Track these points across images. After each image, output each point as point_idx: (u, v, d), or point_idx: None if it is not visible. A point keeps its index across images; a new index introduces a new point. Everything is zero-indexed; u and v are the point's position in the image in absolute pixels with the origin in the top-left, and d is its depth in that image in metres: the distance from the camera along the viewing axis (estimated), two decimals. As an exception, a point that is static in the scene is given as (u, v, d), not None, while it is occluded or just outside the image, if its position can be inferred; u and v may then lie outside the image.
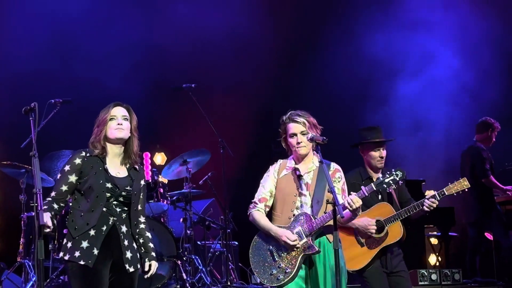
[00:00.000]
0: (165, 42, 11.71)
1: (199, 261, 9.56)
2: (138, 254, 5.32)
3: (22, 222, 8.99)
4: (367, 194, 5.60)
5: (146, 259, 5.38)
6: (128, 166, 5.36)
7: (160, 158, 12.12)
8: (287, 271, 5.58)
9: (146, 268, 5.37)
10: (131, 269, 5.22)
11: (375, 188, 5.66)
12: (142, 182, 5.44)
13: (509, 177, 10.20)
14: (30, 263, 8.73)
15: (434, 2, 12.36)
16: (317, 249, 5.58)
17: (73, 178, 5.19)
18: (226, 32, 11.86)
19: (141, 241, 5.39)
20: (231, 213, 10.02)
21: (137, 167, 5.44)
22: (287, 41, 12.38)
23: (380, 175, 6.41)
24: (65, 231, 8.75)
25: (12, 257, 9.21)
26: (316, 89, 11.99)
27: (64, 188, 5.19)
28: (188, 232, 9.62)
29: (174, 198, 9.90)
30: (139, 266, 5.31)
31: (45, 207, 5.05)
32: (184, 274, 9.07)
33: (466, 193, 9.71)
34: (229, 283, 9.18)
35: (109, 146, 5.30)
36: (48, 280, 8.48)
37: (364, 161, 6.88)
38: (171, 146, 11.75)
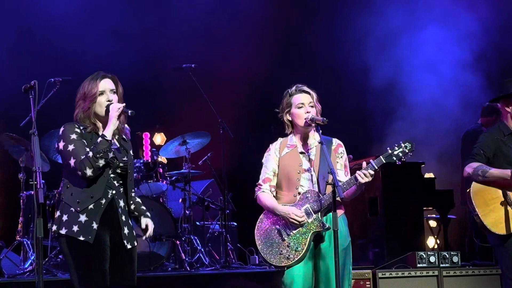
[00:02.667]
0: (163, 22, 11.67)
1: (198, 242, 9.57)
2: (133, 232, 5.20)
3: (21, 200, 8.97)
4: (376, 168, 5.52)
5: (142, 217, 5.27)
6: (117, 137, 5.17)
7: (159, 138, 12.10)
8: (297, 249, 5.50)
9: (143, 226, 5.25)
10: (129, 246, 5.09)
11: (384, 161, 5.53)
12: (131, 152, 5.31)
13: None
14: (28, 242, 8.73)
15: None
16: (327, 226, 5.52)
17: (85, 142, 5.01)
18: (226, 13, 11.82)
19: (132, 207, 5.26)
20: (230, 194, 10.03)
21: (125, 137, 5.29)
22: (288, 20, 12.35)
23: None
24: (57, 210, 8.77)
25: (11, 235, 9.22)
26: (317, 71, 11.94)
27: (87, 149, 4.95)
28: (187, 212, 9.63)
29: (173, 178, 9.90)
30: (136, 243, 5.18)
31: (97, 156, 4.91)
32: (182, 254, 9.09)
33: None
34: (227, 264, 9.19)
35: (98, 121, 5.14)
36: (46, 259, 8.48)
37: (504, 117, 6.68)
38: (170, 126, 11.73)
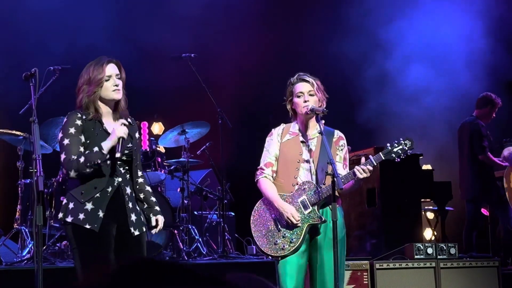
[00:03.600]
0: (162, 11, 11.66)
1: (196, 231, 9.58)
2: (142, 217, 5.18)
3: (19, 188, 8.97)
4: (375, 164, 5.52)
5: (151, 214, 5.25)
6: None
7: (157, 128, 12.09)
8: (292, 241, 5.52)
9: (154, 223, 5.22)
10: (136, 232, 5.07)
11: (383, 158, 5.54)
12: (137, 135, 5.30)
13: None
14: (26, 230, 8.73)
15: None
16: (323, 219, 5.54)
17: (82, 138, 4.97)
18: (222, 4, 11.82)
19: (142, 196, 5.24)
20: (228, 184, 10.02)
21: (130, 120, 5.26)
22: (285, 11, 12.34)
23: None
24: (62, 198, 8.76)
25: (9, 223, 9.21)
26: (317, 59, 11.91)
27: (81, 148, 4.93)
28: (185, 202, 9.63)
29: (172, 167, 9.90)
30: (144, 229, 5.16)
31: (87, 158, 4.87)
32: (180, 244, 9.10)
33: (464, 169, 9.79)
34: (225, 254, 9.20)
35: (101, 106, 5.10)
36: (44, 247, 8.47)
37: None
38: (169, 115, 11.72)
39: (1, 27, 10.70)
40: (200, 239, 9.50)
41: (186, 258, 8.86)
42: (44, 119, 8.60)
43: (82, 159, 4.85)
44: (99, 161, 4.88)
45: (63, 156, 4.91)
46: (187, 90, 10.95)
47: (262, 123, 11.24)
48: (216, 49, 11.86)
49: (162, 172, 9.75)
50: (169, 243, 9.24)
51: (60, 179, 8.87)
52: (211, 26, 11.88)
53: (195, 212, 10.25)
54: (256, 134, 11.70)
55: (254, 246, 9.71)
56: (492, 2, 12.01)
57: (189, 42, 11.23)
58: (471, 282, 8.48)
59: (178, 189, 9.74)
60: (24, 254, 8.51)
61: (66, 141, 4.94)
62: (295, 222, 5.52)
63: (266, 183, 5.70)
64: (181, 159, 9.75)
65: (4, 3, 10.82)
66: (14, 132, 8.80)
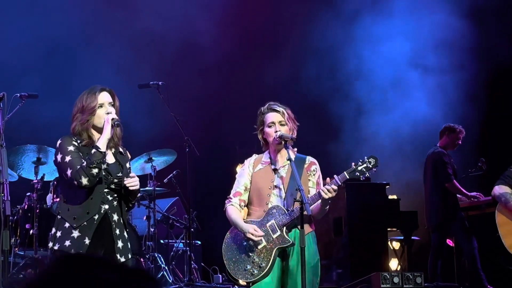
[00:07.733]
0: (130, 35, 11.65)
1: (162, 260, 9.52)
2: (128, 244, 5.27)
3: (-17, 215, 8.87)
4: (340, 183, 5.52)
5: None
6: (113, 151, 5.25)
7: (124, 156, 12.01)
8: (261, 265, 5.50)
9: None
10: (122, 259, 5.14)
11: (347, 176, 5.55)
12: (128, 165, 5.36)
13: (473, 183, 10.30)
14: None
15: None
16: (291, 242, 5.53)
17: (81, 155, 5.02)
18: (192, 32, 11.84)
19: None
20: (195, 212, 9.99)
21: (122, 150, 5.34)
22: (249, 38, 12.40)
23: None
24: (27, 225, 8.69)
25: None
26: (283, 88, 11.95)
27: (83, 160, 4.97)
28: (151, 230, 9.58)
29: (138, 195, 9.82)
30: (130, 256, 5.25)
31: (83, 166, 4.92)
32: (146, 272, 9.02)
33: (428, 199, 9.87)
34: (191, 282, 9.15)
35: (94, 133, 5.16)
36: (8, 275, 8.36)
37: None
38: (135, 143, 11.66)
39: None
40: (166, 268, 9.44)
41: (152, 287, 8.78)
42: (8, 147, 8.51)
43: (84, 164, 4.92)
44: (101, 163, 4.95)
45: (69, 172, 4.96)
46: (154, 118, 10.92)
47: (229, 152, 11.28)
48: (184, 77, 11.85)
49: (129, 200, 9.68)
50: (135, 271, 9.15)
51: (26, 206, 8.79)
52: (179, 53, 11.87)
53: (161, 241, 10.19)
54: (223, 163, 11.76)
55: (220, 275, 9.68)
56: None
57: (156, 69, 11.22)
58: (437, 311, 8.52)
59: (144, 217, 9.69)
60: (-14, 282, 8.38)
61: (67, 158, 5.00)
62: (255, 238, 5.50)
63: (231, 209, 5.72)
64: (147, 188, 9.71)
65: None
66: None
